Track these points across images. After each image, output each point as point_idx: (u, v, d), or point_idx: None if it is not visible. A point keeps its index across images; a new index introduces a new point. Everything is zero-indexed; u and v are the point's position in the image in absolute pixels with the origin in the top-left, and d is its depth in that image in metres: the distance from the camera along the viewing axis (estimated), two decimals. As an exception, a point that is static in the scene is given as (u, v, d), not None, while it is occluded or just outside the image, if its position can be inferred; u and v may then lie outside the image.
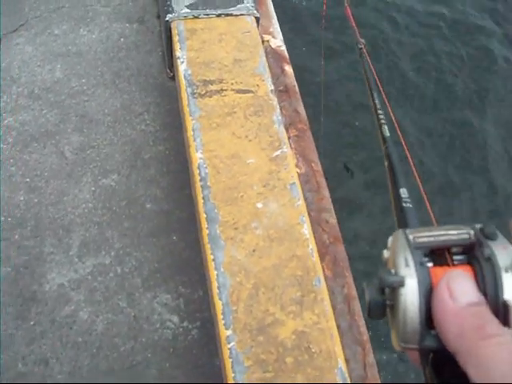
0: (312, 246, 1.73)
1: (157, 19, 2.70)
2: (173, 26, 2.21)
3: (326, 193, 2.20)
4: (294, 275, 1.67)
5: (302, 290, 1.65)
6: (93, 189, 2.18)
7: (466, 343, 0.52)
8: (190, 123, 1.93)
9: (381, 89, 1.23)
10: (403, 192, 0.74)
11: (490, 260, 0.56)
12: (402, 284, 0.56)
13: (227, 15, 2.25)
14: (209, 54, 2.12)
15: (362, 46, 1.67)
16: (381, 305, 0.59)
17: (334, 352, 1.58)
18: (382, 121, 1.00)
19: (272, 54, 2.54)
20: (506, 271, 0.55)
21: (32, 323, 1.93)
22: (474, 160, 4.48)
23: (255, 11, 2.27)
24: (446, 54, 5.13)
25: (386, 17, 5.34)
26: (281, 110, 2.31)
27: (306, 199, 2.12)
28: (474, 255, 0.58)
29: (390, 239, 0.61)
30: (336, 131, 4.30)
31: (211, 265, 1.67)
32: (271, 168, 1.86)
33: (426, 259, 0.58)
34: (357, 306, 1.98)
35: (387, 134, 0.94)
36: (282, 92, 2.42)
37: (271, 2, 2.76)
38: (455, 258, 0.59)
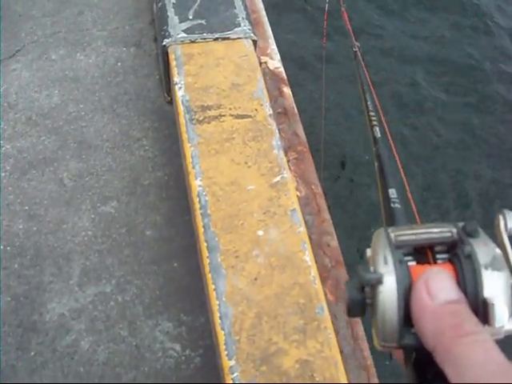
0: (314, 273, 1.71)
1: (154, 42, 2.69)
2: (170, 50, 2.21)
3: (327, 215, 2.19)
4: (296, 303, 1.65)
5: (304, 318, 1.63)
6: (92, 216, 2.17)
7: (442, 341, 0.51)
8: (189, 150, 1.93)
9: (373, 91, 1.23)
10: (392, 192, 0.75)
11: (471, 257, 0.55)
12: (380, 281, 0.55)
13: (224, 39, 2.24)
14: (206, 78, 2.12)
15: (357, 49, 1.67)
16: (360, 303, 0.58)
17: (338, 380, 1.56)
18: (374, 122, 1.00)
19: (270, 76, 2.54)
20: (486, 268, 0.55)
21: (33, 354, 1.91)
22: (465, 160, 4.51)
23: (252, 34, 2.27)
24: (438, 58, 5.16)
25: (381, 19, 5.37)
26: (280, 132, 2.30)
27: (306, 222, 2.11)
28: (455, 253, 0.58)
29: (373, 237, 0.61)
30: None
31: (213, 294, 1.66)
32: (271, 194, 1.85)
33: (409, 258, 0.58)
34: (360, 330, 1.96)
35: (378, 135, 0.94)
36: (281, 114, 2.42)
37: (268, 23, 2.76)
38: (439, 256, 0.59)
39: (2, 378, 1.86)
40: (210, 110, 2.04)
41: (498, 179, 4.40)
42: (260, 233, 1.77)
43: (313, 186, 2.24)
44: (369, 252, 0.60)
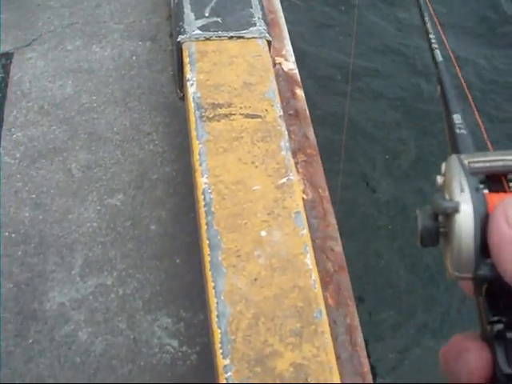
0: (315, 276, 1.70)
1: (170, 38, 2.70)
2: (184, 47, 2.20)
3: (333, 220, 2.18)
4: (294, 306, 1.65)
5: (302, 322, 1.62)
6: (98, 208, 2.17)
7: None
8: (197, 147, 1.92)
9: (432, 12, 1.17)
10: (457, 118, 0.72)
11: None
12: (456, 210, 0.54)
13: (239, 38, 2.24)
14: (219, 76, 2.12)
15: None
16: (434, 232, 0.57)
17: (332, 386, 1.56)
18: (434, 45, 0.96)
19: (283, 77, 2.53)
20: None
21: (31, 341, 1.92)
22: None
23: (267, 34, 2.27)
24: None
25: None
26: (290, 134, 2.29)
27: (311, 226, 2.10)
28: None
29: (444, 165, 0.59)
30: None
31: (211, 292, 1.65)
32: (276, 196, 1.84)
33: (482, 186, 0.56)
34: (359, 336, 1.95)
35: (440, 58, 0.91)
36: (292, 116, 2.41)
37: (285, 24, 2.76)
38: None
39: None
40: (220, 108, 2.03)
41: None
42: (263, 233, 1.77)
43: (320, 190, 2.23)
44: (440, 179, 0.59)
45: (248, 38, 2.24)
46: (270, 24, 2.60)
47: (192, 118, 2.01)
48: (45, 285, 2.01)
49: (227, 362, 1.56)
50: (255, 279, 1.68)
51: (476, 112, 0.88)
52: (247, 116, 2.02)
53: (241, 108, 2.04)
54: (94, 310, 1.98)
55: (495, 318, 0.53)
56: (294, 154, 2.27)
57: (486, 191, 0.55)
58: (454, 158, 0.58)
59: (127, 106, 2.46)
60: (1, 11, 2.75)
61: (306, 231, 1.79)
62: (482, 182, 0.56)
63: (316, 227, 2.13)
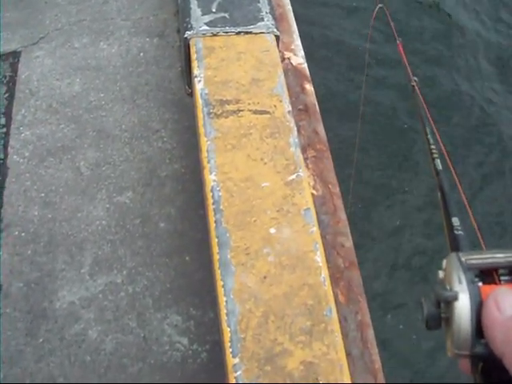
0: (324, 274, 1.69)
1: (177, 34, 2.68)
2: (191, 43, 2.19)
3: (343, 215, 2.17)
4: (304, 304, 1.63)
5: (312, 320, 1.61)
6: (107, 206, 2.17)
7: (510, 347, 0.60)
8: (205, 144, 1.91)
9: (432, 124, 1.27)
10: (455, 221, 0.83)
11: None
12: (456, 298, 0.65)
13: (247, 33, 2.22)
14: (226, 72, 2.10)
15: (415, 83, 1.68)
16: (437, 317, 0.68)
17: (342, 384, 1.54)
18: (435, 155, 1.08)
19: (292, 72, 2.52)
20: None
21: (41, 340, 1.92)
22: None
23: (275, 29, 2.24)
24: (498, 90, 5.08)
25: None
26: (299, 129, 2.28)
27: (321, 222, 2.08)
28: None
29: (445, 261, 0.70)
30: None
31: (220, 291, 1.64)
32: (286, 192, 1.83)
33: (477, 279, 0.67)
34: (370, 333, 1.94)
35: (439, 167, 1.03)
36: (302, 111, 2.39)
37: (293, 19, 2.74)
38: (503, 278, 0.67)
39: (10, 362, 1.87)
40: (228, 104, 2.02)
41: None
42: (272, 231, 1.75)
43: (330, 186, 2.21)
44: (441, 274, 0.70)
45: (256, 33, 2.22)
46: (279, 18, 2.57)
47: (200, 115, 2.00)
48: (54, 284, 2.01)
49: (237, 360, 1.55)
50: (264, 277, 1.67)
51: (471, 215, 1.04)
52: (255, 112, 2.01)
53: (249, 104, 2.02)
54: (104, 308, 1.98)
55: None
56: (304, 150, 2.25)
57: (480, 283, 0.66)
58: (453, 255, 0.70)
59: (135, 103, 2.45)
60: (1, 10, 2.75)
61: (315, 228, 1.78)
62: (476, 276, 0.67)
63: (326, 223, 2.12)
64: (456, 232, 0.81)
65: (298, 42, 2.62)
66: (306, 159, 2.22)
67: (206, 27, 2.21)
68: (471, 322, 0.64)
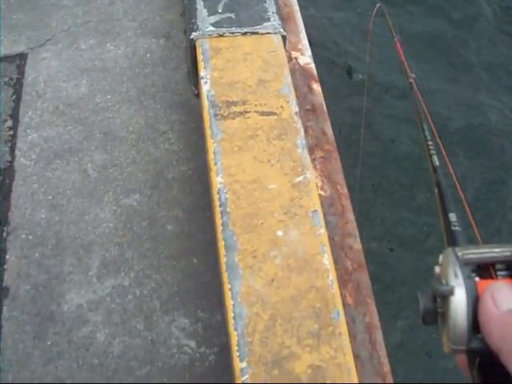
0: (332, 277, 1.68)
1: (184, 35, 2.67)
2: (197, 44, 2.18)
3: (351, 216, 2.15)
4: (312, 307, 1.62)
5: (319, 323, 1.60)
6: (114, 208, 2.16)
7: (507, 343, 0.59)
8: (212, 146, 1.90)
9: (430, 121, 1.27)
10: (452, 216, 0.82)
11: None
12: (452, 293, 0.64)
13: (253, 33, 2.21)
14: (233, 74, 2.09)
15: (412, 80, 1.67)
16: (433, 312, 0.67)
17: (351, 388, 1.53)
18: (432, 151, 1.07)
19: (300, 72, 2.50)
20: None
21: (49, 343, 1.91)
22: None
23: (282, 30, 2.23)
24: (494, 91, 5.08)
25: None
26: (307, 130, 2.27)
27: (329, 223, 2.07)
28: None
29: (441, 256, 0.70)
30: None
31: (228, 294, 1.64)
32: (293, 194, 1.82)
33: (473, 274, 0.66)
34: (379, 335, 1.92)
35: (437, 163, 1.02)
36: (309, 111, 2.38)
37: (300, 18, 2.72)
38: (499, 273, 0.67)
39: (18, 365, 1.87)
40: (235, 105, 2.01)
41: None
42: (279, 233, 1.74)
43: (338, 187, 2.20)
44: (437, 269, 0.69)
45: (262, 34, 2.21)
46: (286, 18, 2.56)
47: (206, 117, 1.99)
48: (62, 286, 2.01)
49: (244, 365, 1.54)
50: (272, 280, 1.66)
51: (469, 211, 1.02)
52: (262, 113, 1.99)
53: (256, 105, 2.01)
54: (112, 311, 1.97)
55: None
56: (312, 150, 2.24)
57: (477, 278, 0.66)
58: (450, 250, 0.69)
59: (142, 104, 2.45)
60: (1, 11, 2.75)
61: (323, 230, 1.77)
62: (473, 271, 0.67)
63: (334, 224, 2.10)
64: (453, 228, 0.80)
65: (305, 41, 2.61)
66: (313, 160, 2.21)
67: (212, 28, 2.20)
68: (467, 316, 0.63)
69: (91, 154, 2.30)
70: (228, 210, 1.78)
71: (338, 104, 4.50)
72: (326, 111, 2.40)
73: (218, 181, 1.83)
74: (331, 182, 2.20)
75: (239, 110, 2.00)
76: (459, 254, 0.68)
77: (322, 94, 2.46)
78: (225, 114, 1.99)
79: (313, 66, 2.54)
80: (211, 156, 1.89)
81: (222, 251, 1.71)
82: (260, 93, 2.05)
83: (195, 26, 2.20)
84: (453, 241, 0.78)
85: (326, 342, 1.57)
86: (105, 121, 2.39)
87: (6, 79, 2.53)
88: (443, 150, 1.14)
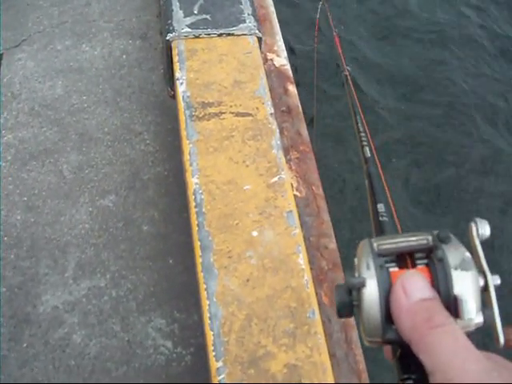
0: (307, 276, 1.69)
1: (160, 36, 2.68)
2: (173, 45, 2.18)
3: (327, 217, 2.17)
4: (287, 307, 1.63)
5: (295, 322, 1.61)
6: (90, 209, 2.16)
7: (417, 333, 0.59)
8: (187, 147, 1.91)
9: (361, 113, 1.30)
10: (380, 207, 0.83)
11: (442, 260, 0.63)
12: (363, 284, 0.63)
13: (229, 35, 2.22)
14: (209, 75, 2.10)
15: (347, 73, 1.71)
16: (348, 305, 0.66)
17: (326, 387, 1.55)
18: (364, 142, 1.09)
19: (275, 73, 2.52)
20: (456, 269, 0.62)
21: (25, 345, 1.91)
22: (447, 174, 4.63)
23: (257, 31, 2.24)
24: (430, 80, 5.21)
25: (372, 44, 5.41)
26: (282, 131, 2.28)
27: (305, 223, 2.09)
28: (431, 258, 0.65)
29: (358, 248, 0.68)
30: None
31: (203, 294, 1.64)
32: (268, 195, 1.83)
33: (392, 264, 0.65)
34: (354, 334, 1.94)
35: (368, 154, 1.03)
36: (285, 112, 2.39)
37: (276, 20, 2.74)
38: (419, 261, 0.66)
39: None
40: (210, 106, 2.02)
41: (477, 189, 4.57)
42: (254, 234, 1.75)
43: (314, 187, 2.21)
44: (356, 261, 0.67)
45: (238, 35, 2.22)
46: (261, 19, 2.58)
47: (182, 118, 1.99)
48: (38, 288, 2.00)
49: (220, 364, 1.55)
50: (247, 280, 1.67)
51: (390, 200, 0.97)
52: (238, 114, 2.00)
53: (231, 106, 2.02)
54: (88, 312, 1.97)
55: (405, 376, 0.62)
56: (287, 151, 2.26)
57: (393, 268, 0.65)
58: (365, 241, 0.68)
59: (118, 105, 2.45)
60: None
61: (298, 231, 1.78)
62: (392, 261, 0.66)
63: (310, 225, 2.12)
64: (381, 218, 0.80)
65: (280, 43, 2.62)
66: (289, 160, 2.23)
67: (187, 29, 2.20)
68: (380, 308, 0.63)
69: (67, 155, 2.29)
70: (203, 210, 1.78)
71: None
72: (301, 112, 2.42)
73: (193, 181, 1.84)
74: (306, 183, 2.22)
75: (215, 111, 2.01)
76: (374, 244, 0.66)
77: (297, 96, 2.48)
78: (200, 115, 1.99)
79: (288, 67, 2.56)
80: (187, 157, 1.89)
81: (198, 252, 1.72)
82: (235, 94, 2.06)
83: (171, 27, 2.20)
84: (380, 231, 0.79)
85: (302, 341, 1.58)
86: (80, 122, 2.39)
87: (-19, 80, 2.52)
88: (372, 143, 1.15)
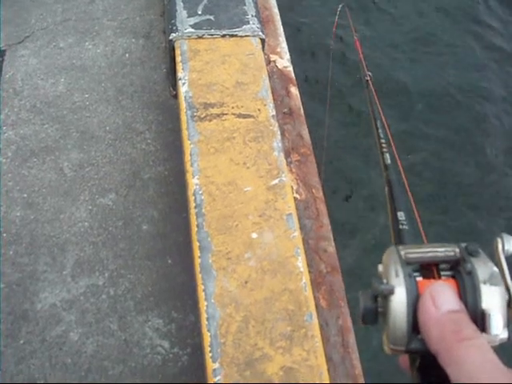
0: (306, 279, 1.69)
1: (163, 35, 2.68)
2: (176, 45, 2.19)
3: (326, 220, 2.17)
4: (285, 309, 1.64)
5: (292, 325, 1.61)
6: (90, 207, 2.16)
7: (445, 345, 0.59)
8: (188, 147, 1.91)
9: (383, 119, 1.27)
10: (400, 215, 0.82)
11: (471, 274, 0.63)
12: (392, 292, 0.63)
13: (232, 36, 2.22)
14: (211, 75, 2.10)
15: (369, 78, 1.69)
16: (373, 311, 0.65)
17: (322, 390, 1.55)
18: (384, 149, 1.07)
19: (278, 75, 2.52)
20: (485, 283, 0.62)
21: (22, 342, 1.91)
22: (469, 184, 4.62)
23: (261, 33, 2.25)
24: (450, 85, 5.19)
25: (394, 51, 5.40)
26: (284, 133, 2.28)
27: (304, 226, 2.09)
28: (458, 270, 0.65)
29: (384, 255, 0.68)
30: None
31: (201, 295, 1.64)
32: (268, 197, 1.83)
33: (416, 273, 0.65)
34: (351, 338, 1.94)
35: (388, 161, 1.01)
36: (286, 114, 2.39)
37: (280, 21, 2.74)
38: (443, 273, 0.66)
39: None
40: (212, 107, 2.02)
41: (504, 205, 4.53)
42: (254, 235, 1.76)
43: (314, 190, 2.21)
44: (380, 268, 0.67)
45: (241, 37, 2.22)
46: (265, 21, 2.58)
47: (184, 118, 1.99)
48: (36, 285, 2.00)
49: (216, 365, 1.55)
50: (245, 282, 1.67)
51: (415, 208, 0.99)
52: (239, 116, 2.01)
53: (233, 108, 2.02)
54: (85, 310, 1.97)
55: None
56: (288, 154, 2.26)
57: (419, 278, 0.65)
58: (392, 249, 0.68)
59: (120, 104, 2.45)
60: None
61: (297, 233, 1.78)
62: (416, 270, 0.66)
63: (309, 228, 2.12)
64: (401, 226, 0.80)
65: (283, 44, 2.62)
66: (289, 163, 2.23)
67: (191, 29, 2.21)
68: (407, 316, 0.62)
69: (68, 152, 2.29)
70: (203, 211, 1.79)
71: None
72: (303, 115, 2.42)
73: (193, 182, 1.84)
74: (307, 186, 2.22)
75: (216, 111, 2.01)
76: (402, 252, 0.66)
77: (299, 98, 2.48)
78: (202, 116, 1.99)
79: (291, 69, 2.56)
80: (188, 157, 1.90)
81: (197, 252, 1.72)
82: (237, 95, 2.06)
83: (174, 27, 2.20)
84: (400, 240, 0.78)
85: (299, 344, 1.59)
86: (82, 120, 2.38)
87: (-17, 76, 2.52)
88: (394, 149, 1.14)
